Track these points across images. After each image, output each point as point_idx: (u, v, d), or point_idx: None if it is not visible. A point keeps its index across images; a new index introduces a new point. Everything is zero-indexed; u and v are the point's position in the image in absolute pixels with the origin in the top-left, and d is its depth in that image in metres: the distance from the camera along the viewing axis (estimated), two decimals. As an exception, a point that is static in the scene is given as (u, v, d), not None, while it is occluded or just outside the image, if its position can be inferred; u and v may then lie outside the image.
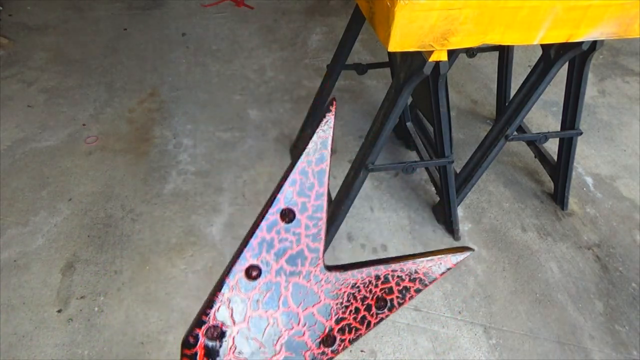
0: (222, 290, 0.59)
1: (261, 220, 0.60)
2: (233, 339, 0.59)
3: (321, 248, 0.62)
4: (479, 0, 1.24)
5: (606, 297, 1.90)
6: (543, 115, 2.79)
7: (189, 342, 0.59)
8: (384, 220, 2.13)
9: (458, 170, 2.09)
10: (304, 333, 0.62)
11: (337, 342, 0.63)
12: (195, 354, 0.58)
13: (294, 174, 0.61)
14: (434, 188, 2.24)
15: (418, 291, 0.65)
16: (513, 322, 1.80)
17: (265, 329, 0.60)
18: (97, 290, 1.81)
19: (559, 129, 2.11)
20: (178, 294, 1.81)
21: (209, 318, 0.59)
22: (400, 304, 0.65)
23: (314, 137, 0.62)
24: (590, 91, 2.97)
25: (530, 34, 1.36)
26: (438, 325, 1.78)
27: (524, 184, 2.35)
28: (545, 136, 1.98)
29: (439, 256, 0.66)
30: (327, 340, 0.63)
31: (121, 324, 1.71)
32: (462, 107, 2.81)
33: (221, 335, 0.59)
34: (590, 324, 1.82)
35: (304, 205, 0.60)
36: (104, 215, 2.07)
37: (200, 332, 0.59)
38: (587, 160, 2.51)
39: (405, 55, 1.52)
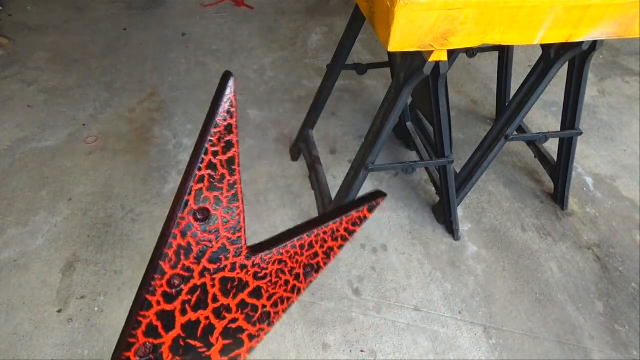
0: (145, 309, 0.56)
1: (172, 227, 0.54)
2: (168, 348, 0.57)
3: (243, 237, 0.59)
4: (479, 0, 1.24)
5: (606, 297, 1.90)
6: (543, 115, 2.79)
7: None
8: (384, 220, 2.13)
9: (458, 170, 2.09)
10: (238, 319, 0.61)
11: (272, 315, 0.63)
12: None
13: (201, 170, 0.56)
14: (434, 188, 2.24)
15: (341, 247, 0.66)
16: (513, 322, 1.80)
17: (199, 329, 0.58)
18: (97, 290, 1.81)
19: (559, 129, 2.11)
20: (178, 294, 1.81)
21: (137, 338, 0.56)
22: (325, 264, 0.65)
23: (217, 125, 0.58)
24: (590, 91, 2.97)
25: (530, 34, 1.36)
26: (438, 325, 1.78)
27: (524, 184, 2.35)
28: (545, 136, 1.98)
29: (356, 211, 0.66)
30: (262, 317, 0.63)
31: (121, 324, 1.70)
32: (462, 107, 2.81)
33: (153, 349, 0.56)
34: (590, 324, 1.82)
35: (217, 200, 0.56)
36: (104, 215, 2.07)
37: (131, 355, 0.56)
38: (587, 160, 2.51)
39: (405, 55, 1.52)
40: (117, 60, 2.99)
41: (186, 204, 0.55)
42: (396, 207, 2.20)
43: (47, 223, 2.03)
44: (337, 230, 0.65)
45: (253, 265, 0.61)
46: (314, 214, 2.12)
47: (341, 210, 0.66)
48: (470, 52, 2.42)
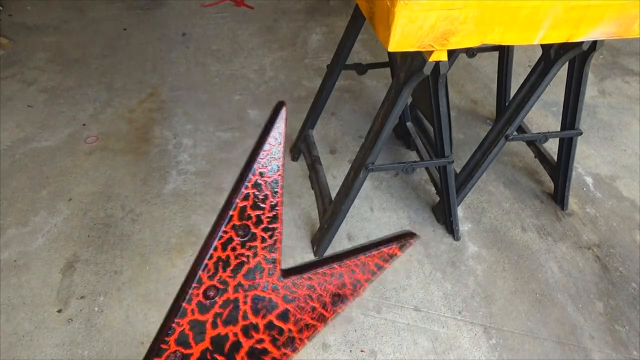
0: (179, 316, 0.58)
1: (214, 239, 0.58)
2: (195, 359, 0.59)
3: (278, 257, 0.61)
4: (479, 0, 1.24)
5: (606, 297, 1.90)
6: (543, 115, 2.79)
7: None
8: (384, 220, 2.13)
9: (458, 170, 2.09)
10: (265, 340, 0.62)
11: (297, 341, 0.64)
12: None
13: (247, 189, 0.59)
14: (434, 188, 2.24)
15: (369, 282, 0.66)
16: (513, 322, 1.80)
17: (226, 345, 0.60)
18: (97, 290, 1.81)
19: (559, 129, 2.11)
20: (178, 294, 1.81)
21: (168, 345, 0.58)
22: (353, 297, 0.66)
23: (265, 147, 0.61)
24: (590, 91, 2.97)
25: (530, 34, 1.36)
26: (438, 325, 1.78)
27: (524, 184, 2.35)
28: (545, 136, 1.98)
29: (386, 247, 0.66)
30: (287, 342, 0.63)
31: (121, 324, 1.71)
32: (462, 107, 2.81)
33: (182, 359, 0.58)
34: (590, 324, 1.82)
35: (258, 218, 0.59)
36: (104, 215, 2.07)
37: None
38: (587, 160, 2.51)
39: (405, 55, 1.52)
40: (117, 60, 2.99)
41: (230, 219, 0.58)
42: (396, 207, 2.20)
43: (47, 223, 2.03)
44: (367, 265, 0.66)
45: (284, 288, 0.62)
46: (314, 214, 2.12)
47: (370, 246, 0.67)
48: (470, 52, 2.42)
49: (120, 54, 3.05)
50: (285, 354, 0.64)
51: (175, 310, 0.58)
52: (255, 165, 0.59)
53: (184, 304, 0.58)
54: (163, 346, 0.58)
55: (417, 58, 1.45)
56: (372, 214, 2.16)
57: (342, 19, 3.53)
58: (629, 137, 2.67)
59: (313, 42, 3.29)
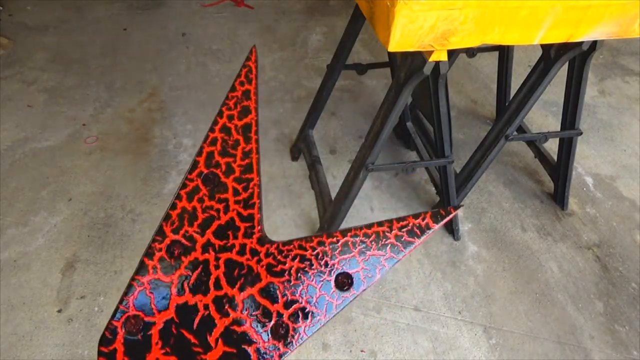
0: (140, 274, 0.48)
1: (180, 188, 0.48)
2: (158, 332, 0.48)
3: (257, 215, 0.50)
4: (479, 0, 1.24)
5: (606, 297, 1.90)
6: (543, 115, 2.79)
7: (105, 338, 0.48)
8: (384, 220, 2.13)
9: (458, 170, 2.09)
10: (245, 321, 0.49)
11: (291, 331, 0.50)
12: (114, 351, 0.47)
13: (214, 133, 0.49)
14: (434, 188, 2.24)
15: (390, 262, 0.51)
16: (513, 322, 1.80)
17: (196, 319, 0.49)
18: (97, 290, 1.81)
19: (559, 129, 2.11)
20: (178, 294, 1.81)
21: (127, 307, 0.49)
22: (368, 280, 0.51)
23: (235, 90, 0.50)
24: (590, 91, 2.97)
25: (530, 34, 1.36)
26: (438, 325, 1.78)
27: (524, 184, 2.35)
28: (545, 136, 1.98)
29: (414, 217, 0.51)
30: (278, 330, 0.50)
31: (121, 324, 1.71)
32: (462, 107, 2.81)
33: (143, 327, 0.48)
34: (590, 324, 1.82)
35: (229, 167, 0.49)
36: (104, 215, 2.07)
37: (118, 325, 0.49)
38: (587, 160, 2.51)
39: (405, 55, 1.52)
40: (117, 60, 2.99)
41: (195, 165, 0.50)
42: (396, 207, 2.20)
43: (47, 223, 2.03)
44: (385, 237, 0.50)
45: (267, 255, 0.50)
46: (314, 214, 2.12)
47: (393, 220, 0.52)
48: (470, 52, 2.41)
49: (120, 54, 3.05)
50: (275, 347, 0.49)
51: (137, 267, 0.49)
52: (223, 108, 0.50)
53: (144, 259, 0.49)
54: (121, 307, 0.49)
55: (417, 58, 1.45)
56: (372, 214, 2.16)
57: (342, 19, 3.53)
58: (629, 137, 2.67)
59: (313, 42, 3.29)
